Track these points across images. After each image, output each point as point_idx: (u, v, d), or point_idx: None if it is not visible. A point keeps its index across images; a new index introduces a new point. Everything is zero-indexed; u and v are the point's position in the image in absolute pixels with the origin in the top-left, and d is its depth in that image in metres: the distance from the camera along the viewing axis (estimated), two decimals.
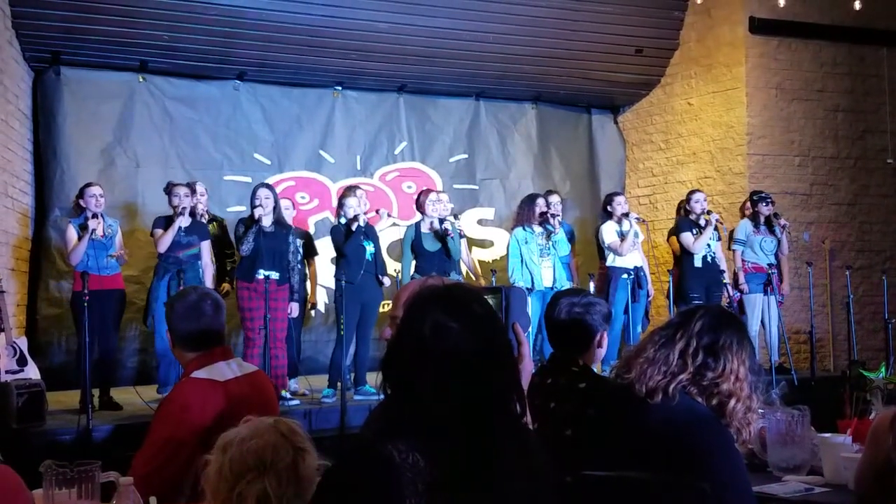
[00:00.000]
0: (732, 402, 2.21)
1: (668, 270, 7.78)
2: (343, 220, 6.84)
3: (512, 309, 1.88)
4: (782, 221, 7.79)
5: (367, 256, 6.75)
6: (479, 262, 8.92)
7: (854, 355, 7.85)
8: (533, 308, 6.90)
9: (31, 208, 7.82)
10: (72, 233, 6.31)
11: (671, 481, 2.09)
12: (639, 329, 7.52)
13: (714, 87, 9.24)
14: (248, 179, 8.55)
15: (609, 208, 7.79)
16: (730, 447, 2.19)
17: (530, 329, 6.33)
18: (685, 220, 7.83)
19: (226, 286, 7.09)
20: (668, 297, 7.56)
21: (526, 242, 7.31)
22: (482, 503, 1.54)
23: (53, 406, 5.78)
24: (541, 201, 7.49)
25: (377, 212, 7.62)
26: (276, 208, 6.61)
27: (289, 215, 7.21)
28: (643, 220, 7.98)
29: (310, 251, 7.27)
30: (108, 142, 8.21)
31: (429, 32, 8.62)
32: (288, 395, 6.40)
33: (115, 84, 8.29)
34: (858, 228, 9.30)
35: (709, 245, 7.68)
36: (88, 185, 6.50)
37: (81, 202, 6.39)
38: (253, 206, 6.50)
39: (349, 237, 6.72)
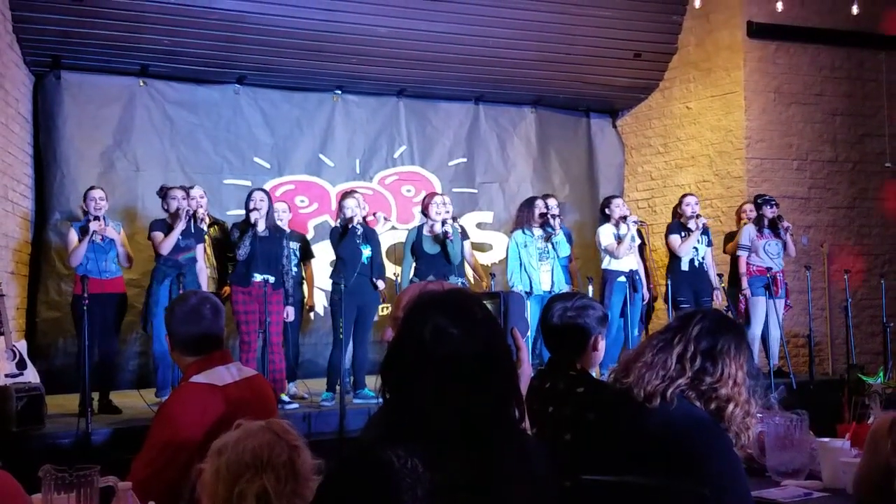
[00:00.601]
0: (731, 406, 2.21)
1: (667, 274, 7.78)
2: (340, 223, 6.85)
3: (510, 314, 1.90)
4: (786, 224, 7.79)
5: (364, 259, 6.75)
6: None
7: (852, 359, 7.85)
8: (532, 312, 6.90)
9: (31, 212, 7.82)
10: (73, 235, 6.31)
11: (670, 486, 2.09)
12: (636, 332, 7.51)
13: (713, 91, 9.25)
14: (248, 183, 8.56)
15: (607, 211, 7.79)
16: (728, 452, 2.19)
17: (529, 334, 6.32)
18: (675, 222, 7.84)
19: (227, 289, 7.09)
20: (665, 300, 7.56)
21: (525, 246, 7.30)
22: None
23: (52, 410, 5.77)
24: (540, 203, 7.49)
25: (374, 215, 7.62)
26: (270, 212, 6.61)
27: (285, 219, 7.22)
28: (642, 223, 7.99)
29: (306, 254, 7.28)
30: (109, 145, 8.22)
31: (428, 37, 8.63)
32: (287, 399, 6.40)
33: (115, 88, 8.30)
34: (857, 232, 9.31)
35: (696, 249, 7.67)
36: (91, 188, 6.52)
37: (84, 206, 6.40)
38: (249, 210, 6.50)
39: (343, 239, 6.73)
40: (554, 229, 7.31)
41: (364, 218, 7.07)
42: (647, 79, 9.81)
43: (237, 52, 8.30)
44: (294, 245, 7.06)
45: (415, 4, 8.31)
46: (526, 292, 7.11)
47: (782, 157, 9.06)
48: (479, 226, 9.57)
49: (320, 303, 8.16)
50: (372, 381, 6.43)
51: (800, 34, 9.02)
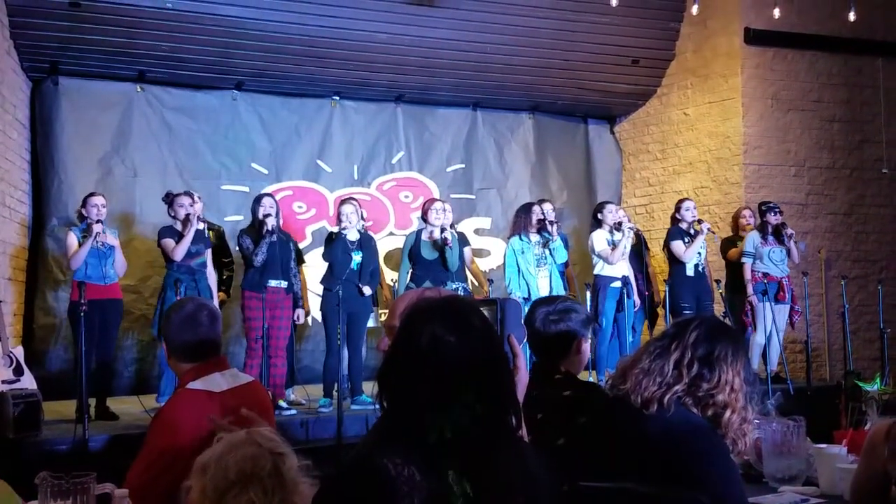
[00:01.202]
0: (728, 412, 2.21)
1: (665, 280, 7.78)
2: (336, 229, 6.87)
3: (507, 321, 1.89)
4: (790, 231, 7.79)
5: (353, 266, 6.75)
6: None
7: (850, 365, 7.85)
8: None
9: (28, 218, 7.82)
10: (72, 239, 6.30)
11: (668, 493, 2.09)
12: (629, 338, 7.51)
13: (710, 98, 9.27)
14: (246, 189, 8.57)
15: (599, 216, 7.80)
16: (725, 458, 2.19)
17: (526, 340, 6.31)
18: (676, 228, 7.84)
19: (222, 295, 7.09)
20: (664, 306, 7.56)
21: (522, 252, 7.29)
22: None
23: (49, 416, 5.76)
24: (536, 209, 7.48)
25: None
26: (279, 217, 6.64)
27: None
28: (637, 230, 7.99)
29: (299, 258, 7.28)
30: (106, 151, 8.21)
31: (427, 43, 8.65)
32: (284, 405, 6.39)
33: (113, 94, 8.30)
34: (854, 238, 9.31)
35: (699, 254, 7.69)
36: (91, 194, 6.51)
37: (83, 211, 6.39)
38: (263, 216, 6.47)
39: (330, 244, 6.74)
40: (551, 235, 7.31)
41: (364, 224, 7.08)
42: (644, 85, 9.83)
43: (235, 57, 8.30)
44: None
45: (413, 11, 8.32)
46: (524, 298, 7.10)
47: (780, 163, 9.08)
48: (476, 232, 9.57)
49: (314, 308, 8.16)
50: (369, 388, 6.42)
51: (797, 41, 9.04)
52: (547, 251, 7.32)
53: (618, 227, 7.64)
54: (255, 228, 6.51)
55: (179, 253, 6.37)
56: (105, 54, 7.89)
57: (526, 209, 7.54)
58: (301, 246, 7.92)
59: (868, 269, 9.29)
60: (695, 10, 8.09)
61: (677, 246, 7.70)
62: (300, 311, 6.76)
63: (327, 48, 8.42)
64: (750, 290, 7.70)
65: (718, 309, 7.87)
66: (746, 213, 8.26)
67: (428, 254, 6.98)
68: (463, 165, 9.69)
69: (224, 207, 8.48)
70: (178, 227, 6.49)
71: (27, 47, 7.58)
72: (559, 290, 7.29)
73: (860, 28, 8.66)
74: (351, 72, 8.76)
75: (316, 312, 8.17)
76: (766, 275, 7.67)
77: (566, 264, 7.75)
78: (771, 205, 7.85)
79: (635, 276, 7.83)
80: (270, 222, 6.41)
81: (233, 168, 8.73)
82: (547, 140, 10.08)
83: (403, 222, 9.22)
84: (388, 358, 1.66)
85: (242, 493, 1.85)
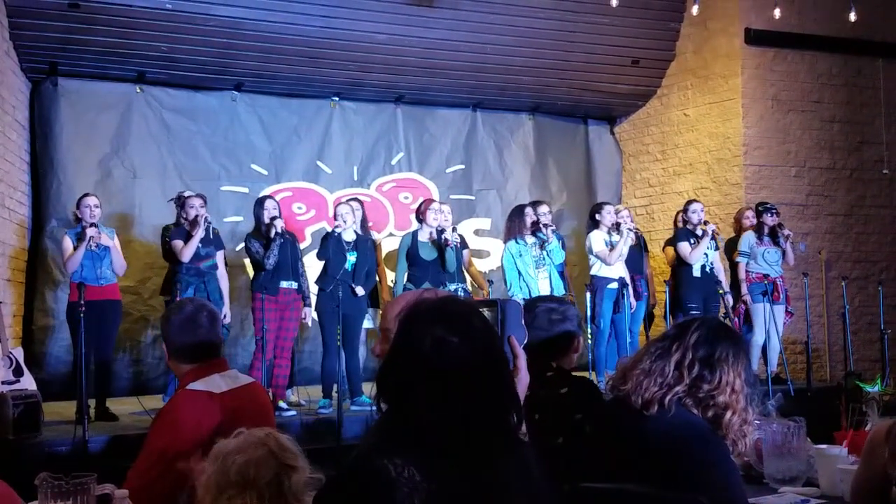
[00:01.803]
0: (728, 414, 2.21)
1: (665, 281, 7.78)
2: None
3: (508, 322, 1.88)
4: (786, 232, 7.80)
5: (348, 266, 6.74)
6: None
7: (850, 366, 7.85)
8: None
9: (27, 219, 7.81)
10: (67, 242, 6.31)
11: (668, 494, 2.09)
12: (627, 339, 7.50)
13: (710, 98, 9.27)
14: (246, 190, 8.56)
15: (597, 217, 7.78)
16: (726, 459, 2.19)
17: (526, 341, 6.30)
18: (683, 230, 7.85)
19: None
20: (665, 307, 7.55)
21: (520, 255, 7.26)
22: None
23: (49, 417, 5.76)
24: (529, 211, 7.42)
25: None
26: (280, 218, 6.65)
27: None
28: (637, 231, 7.98)
29: None
30: (106, 152, 8.20)
31: (427, 44, 8.64)
32: (284, 406, 6.39)
33: (112, 95, 8.29)
34: (854, 239, 9.31)
35: (706, 255, 7.70)
36: (85, 195, 6.51)
37: (78, 213, 6.40)
38: (270, 219, 6.48)
39: (324, 245, 6.75)
40: (546, 237, 7.28)
41: (363, 225, 7.07)
42: (644, 86, 9.83)
43: (235, 58, 8.30)
44: None
45: (412, 12, 8.32)
46: (524, 300, 7.09)
47: (780, 164, 9.07)
48: (476, 233, 9.57)
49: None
50: (368, 388, 6.41)
51: (797, 41, 9.04)
52: (544, 252, 7.30)
53: (616, 227, 7.64)
54: (262, 231, 6.52)
55: (187, 254, 6.37)
56: (104, 55, 7.89)
57: (518, 212, 7.49)
58: (301, 247, 7.91)
59: (868, 269, 9.29)
60: (695, 10, 8.09)
61: (684, 247, 7.71)
62: (307, 310, 6.78)
63: (327, 49, 8.42)
64: (744, 289, 7.72)
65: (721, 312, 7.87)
66: (749, 213, 8.26)
67: (426, 254, 6.97)
68: (463, 166, 9.69)
69: (223, 209, 8.47)
70: (189, 228, 6.49)
71: (26, 48, 7.58)
72: (559, 290, 7.29)
73: (860, 29, 8.66)
74: (350, 72, 8.76)
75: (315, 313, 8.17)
76: (765, 276, 7.68)
77: (563, 264, 7.74)
78: (768, 206, 7.87)
79: (634, 278, 7.82)
80: (279, 224, 6.42)
81: (232, 169, 8.73)
82: (547, 141, 10.07)
83: (403, 223, 9.21)
84: (387, 359, 1.65)
85: (238, 496, 1.86)
